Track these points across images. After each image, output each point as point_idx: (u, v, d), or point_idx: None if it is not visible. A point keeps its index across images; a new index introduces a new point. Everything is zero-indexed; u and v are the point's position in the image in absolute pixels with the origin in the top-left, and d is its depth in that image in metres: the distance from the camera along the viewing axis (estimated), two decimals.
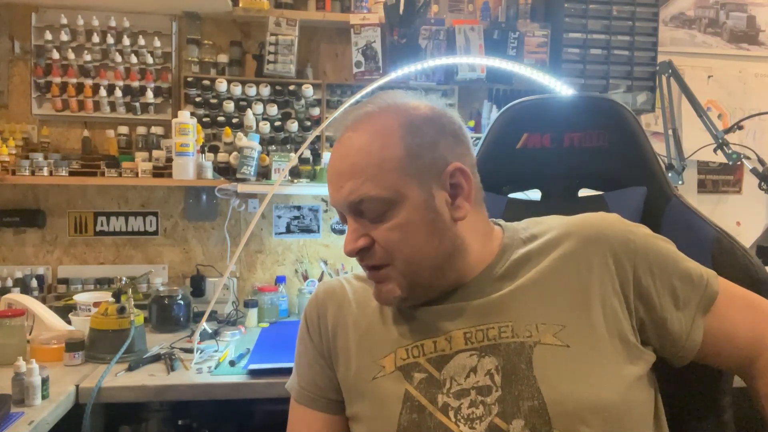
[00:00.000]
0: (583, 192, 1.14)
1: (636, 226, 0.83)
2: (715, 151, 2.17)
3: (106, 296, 1.78)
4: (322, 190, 2.31)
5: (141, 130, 2.25)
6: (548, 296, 0.77)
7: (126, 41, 2.23)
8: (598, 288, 0.77)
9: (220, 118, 2.28)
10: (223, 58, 2.31)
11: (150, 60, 2.26)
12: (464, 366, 0.75)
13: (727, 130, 2.15)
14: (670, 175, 2.20)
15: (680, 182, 2.27)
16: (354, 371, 0.82)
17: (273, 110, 2.29)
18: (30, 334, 1.65)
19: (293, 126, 2.29)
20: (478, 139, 1.13)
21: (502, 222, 0.89)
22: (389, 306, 0.82)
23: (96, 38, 2.21)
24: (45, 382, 1.30)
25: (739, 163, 2.12)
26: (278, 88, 2.29)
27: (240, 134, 2.24)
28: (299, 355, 0.91)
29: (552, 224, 0.84)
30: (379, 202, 0.75)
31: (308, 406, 0.88)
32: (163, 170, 2.15)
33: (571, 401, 0.71)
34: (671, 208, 1.03)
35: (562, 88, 1.72)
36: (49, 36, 2.20)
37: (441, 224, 0.77)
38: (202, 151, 2.17)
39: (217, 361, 1.60)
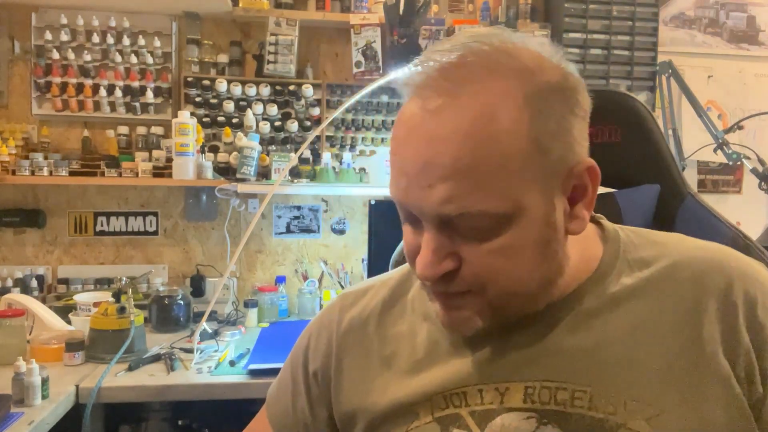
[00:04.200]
0: None
1: None
2: (715, 151, 2.18)
3: (106, 296, 1.78)
4: (322, 190, 2.31)
5: (141, 130, 2.25)
6: (648, 362, 0.56)
7: (126, 41, 2.23)
8: (723, 365, 0.55)
9: (220, 118, 2.28)
10: (223, 58, 2.31)
11: (150, 60, 2.26)
12: (516, 429, 0.56)
13: (727, 130, 2.16)
14: None
15: None
16: (378, 413, 0.63)
17: (273, 110, 2.29)
18: (30, 334, 1.65)
19: (293, 126, 2.29)
20: None
21: (603, 220, 0.67)
22: (463, 335, 0.61)
23: (96, 38, 2.21)
24: (45, 382, 1.30)
25: (739, 163, 2.12)
26: (278, 88, 2.29)
27: (240, 134, 2.24)
28: (290, 375, 0.74)
29: (672, 248, 0.62)
30: (490, 219, 0.52)
31: (276, 428, 0.74)
32: (163, 170, 2.15)
33: None
34: (685, 207, 1.00)
35: None
36: (49, 36, 2.20)
37: (555, 244, 0.56)
38: (202, 151, 2.18)
39: (217, 361, 1.60)
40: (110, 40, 2.23)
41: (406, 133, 0.53)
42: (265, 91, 2.28)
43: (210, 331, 1.76)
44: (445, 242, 0.53)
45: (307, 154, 2.26)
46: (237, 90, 2.26)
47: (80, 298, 1.87)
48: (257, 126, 2.27)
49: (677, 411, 0.54)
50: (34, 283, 2.15)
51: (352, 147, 2.37)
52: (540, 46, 0.55)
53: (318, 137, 2.32)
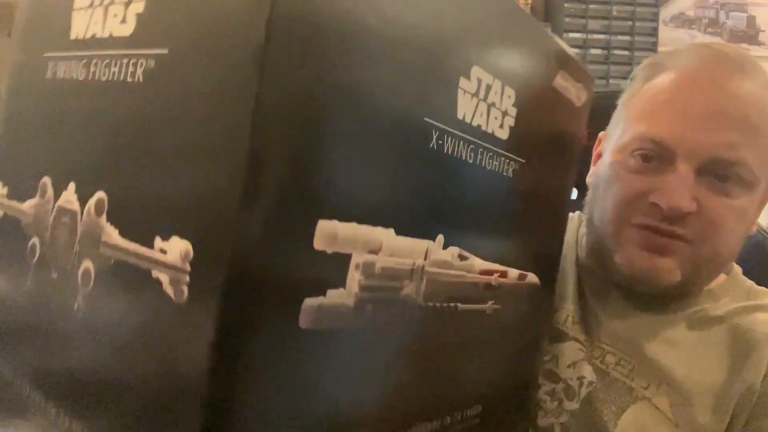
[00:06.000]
0: None
1: None
2: None
3: None
4: None
5: None
6: (697, 369, 0.62)
7: None
8: (736, 400, 0.61)
9: None
10: None
11: None
12: (570, 355, 0.64)
13: None
14: None
15: None
16: None
17: None
18: None
19: None
20: None
21: (737, 268, 0.72)
22: (649, 284, 0.61)
23: None
24: None
25: None
26: None
27: None
28: None
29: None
30: (749, 175, 0.57)
31: None
32: None
33: None
34: None
35: None
36: None
37: (748, 231, 0.63)
38: None
39: None
40: None
41: (697, 83, 0.59)
42: None
43: None
44: (694, 185, 0.57)
45: None
46: None
47: None
48: None
49: (702, 409, 0.59)
50: None
51: None
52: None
53: None
